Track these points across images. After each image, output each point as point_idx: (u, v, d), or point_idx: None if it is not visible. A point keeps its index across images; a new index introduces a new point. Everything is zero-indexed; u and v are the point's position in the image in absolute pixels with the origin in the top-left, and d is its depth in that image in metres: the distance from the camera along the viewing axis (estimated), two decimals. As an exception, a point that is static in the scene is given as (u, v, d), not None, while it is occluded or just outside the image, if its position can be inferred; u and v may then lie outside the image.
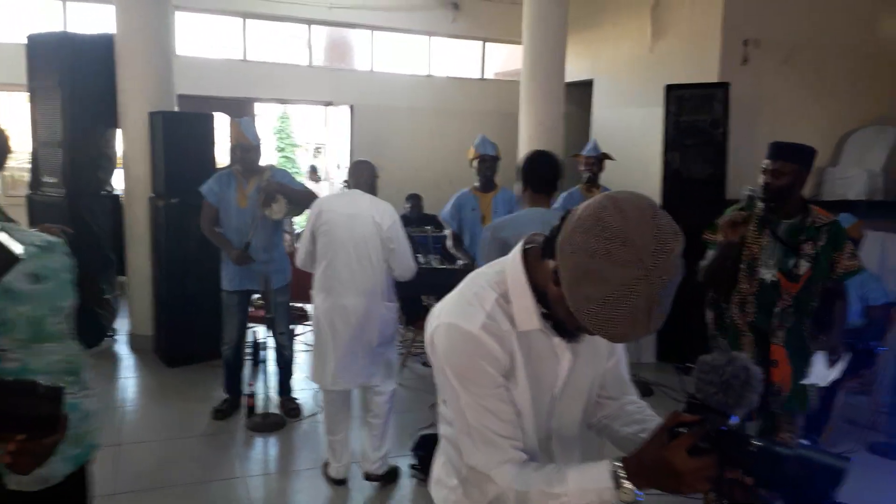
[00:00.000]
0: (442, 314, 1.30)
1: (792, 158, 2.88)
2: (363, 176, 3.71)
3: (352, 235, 3.52)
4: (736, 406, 1.24)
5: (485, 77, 9.80)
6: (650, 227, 1.04)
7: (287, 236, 8.21)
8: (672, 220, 1.08)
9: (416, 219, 7.14)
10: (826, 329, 3.02)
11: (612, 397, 1.50)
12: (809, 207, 2.96)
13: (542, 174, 3.12)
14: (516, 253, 1.31)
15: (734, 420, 1.18)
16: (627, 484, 1.17)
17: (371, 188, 3.71)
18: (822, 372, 2.94)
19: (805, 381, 2.97)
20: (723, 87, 6.02)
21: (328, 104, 9.08)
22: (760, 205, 2.94)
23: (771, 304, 2.95)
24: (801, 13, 6.96)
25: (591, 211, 1.08)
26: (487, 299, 1.27)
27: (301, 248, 3.69)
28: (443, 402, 1.38)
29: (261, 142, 4.34)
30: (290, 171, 16.59)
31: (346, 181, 3.81)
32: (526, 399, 1.31)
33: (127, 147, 5.75)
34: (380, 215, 3.55)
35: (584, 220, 1.07)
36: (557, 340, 1.30)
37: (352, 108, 8.34)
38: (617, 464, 1.20)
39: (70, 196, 5.61)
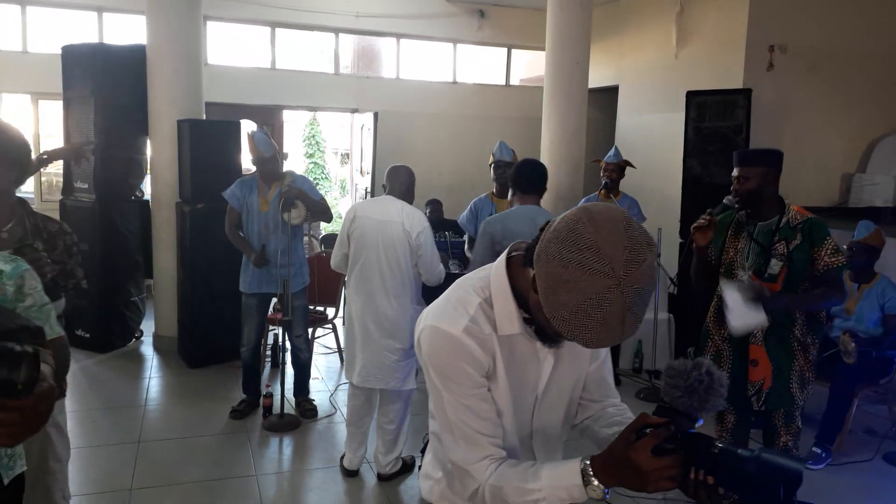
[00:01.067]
0: (428, 317, 1.37)
1: (755, 163, 2.96)
2: (398, 182, 3.81)
3: (382, 241, 3.65)
4: (701, 409, 1.28)
5: (510, 83, 9.84)
6: (622, 238, 1.08)
7: (313, 240, 8.36)
8: (646, 231, 1.13)
9: (436, 224, 7.21)
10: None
11: (594, 400, 1.55)
12: (787, 208, 3.00)
13: (527, 177, 3.57)
14: (501, 260, 1.37)
15: (700, 423, 1.24)
16: (595, 481, 1.23)
17: (405, 194, 3.81)
18: (738, 308, 2.80)
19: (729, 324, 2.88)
20: (745, 93, 5.97)
21: (354, 111, 9.21)
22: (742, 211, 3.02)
23: None
24: (827, 20, 6.87)
25: (566, 223, 1.13)
26: (471, 304, 1.34)
27: (336, 250, 3.83)
28: (431, 400, 1.43)
29: (276, 151, 4.45)
30: (318, 176, 16.71)
31: (382, 185, 3.92)
32: (506, 399, 1.37)
33: (155, 154, 5.93)
34: (409, 223, 3.65)
35: (559, 231, 1.13)
36: (539, 344, 1.36)
37: (375, 114, 8.45)
38: (586, 461, 1.25)
39: (101, 201, 5.81)
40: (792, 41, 6.75)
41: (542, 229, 1.20)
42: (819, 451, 4.12)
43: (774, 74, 6.73)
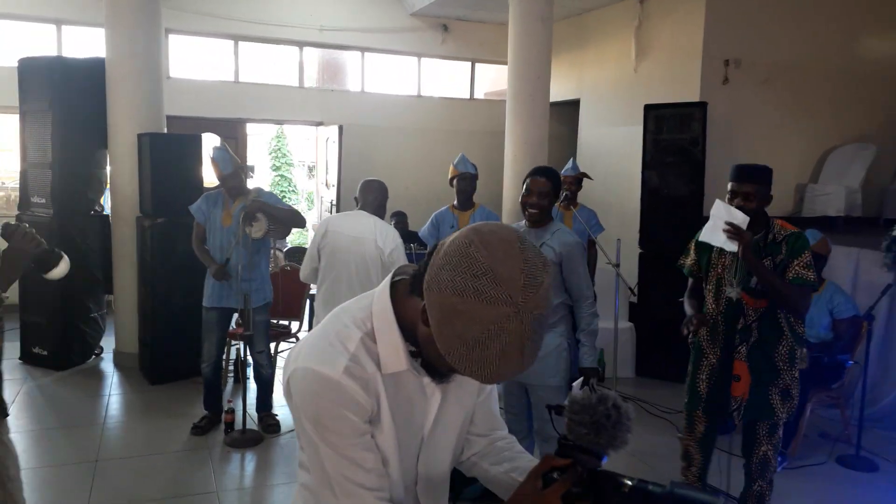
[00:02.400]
0: (300, 357, 1.18)
1: (758, 179, 2.95)
2: (371, 196, 3.81)
3: (354, 257, 3.64)
4: (608, 446, 1.20)
5: (474, 97, 9.94)
6: (518, 260, 1.00)
7: (278, 253, 8.32)
8: (539, 250, 1.05)
9: (401, 236, 7.23)
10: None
11: (482, 434, 1.43)
12: (772, 223, 3.00)
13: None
14: (384, 287, 1.21)
15: (605, 460, 1.18)
16: None
17: (378, 209, 3.81)
18: (716, 226, 2.88)
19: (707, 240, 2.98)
20: (701, 106, 6.12)
21: (319, 124, 9.21)
22: (725, 226, 2.94)
23: (736, 322, 3.01)
24: (779, 35, 7.09)
25: (456, 246, 1.03)
26: (351, 339, 1.17)
27: (306, 263, 3.81)
28: (301, 450, 1.27)
29: (238, 167, 4.43)
30: (284, 189, 16.61)
31: (355, 198, 3.92)
32: (391, 445, 1.21)
33: (115, 168, 5.87)
34: (382, 240, 3.65)
35: (450, 256, 1.02)
36: (427, 380, 1.22)
37: (340, 127, 8.47)
38: None
39: (58, 216, 5.72)
40: (746, 56, 6.95)
41: (429, 254, 1.10)
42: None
43: (730, 88, 6.92)
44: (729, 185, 3.00)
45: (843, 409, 4.68)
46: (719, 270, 3.08)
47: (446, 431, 1.31)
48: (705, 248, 3.15)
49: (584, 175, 5.51)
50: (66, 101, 5.73)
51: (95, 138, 5.89)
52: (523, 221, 3.41)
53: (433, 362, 1.15)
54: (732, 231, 2.85)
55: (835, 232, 6.48)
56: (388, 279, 1.23)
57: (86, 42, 7.83)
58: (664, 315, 5.38)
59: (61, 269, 2.28)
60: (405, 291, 1.18)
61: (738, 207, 2.91)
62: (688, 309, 3.28)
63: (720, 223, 2.88)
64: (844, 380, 4.59)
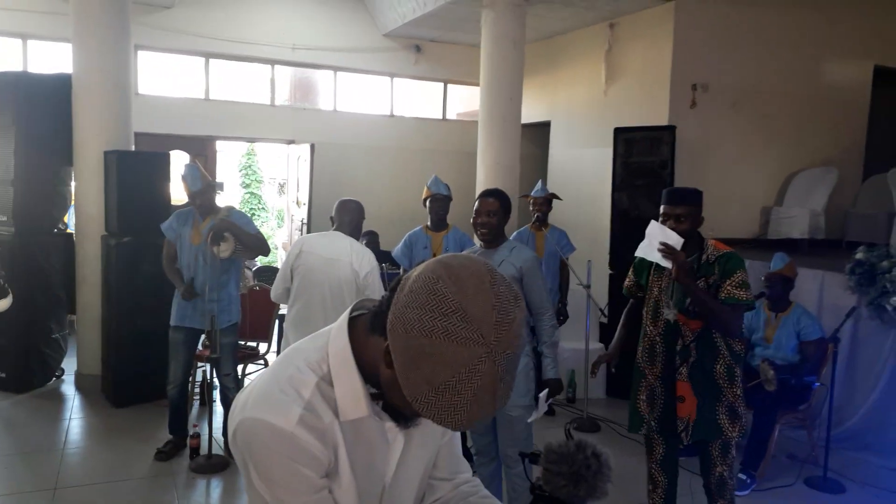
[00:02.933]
0: (248, 405, 1.06)
1: (689, 201, 3.03)
2: (347, 217, 3.78)
3: (328, 279, 3.58)
4: (588, 497, 1.15)
5: (447, 117, 9.98)
6: (489, 296, 0.93)
7: (247, 272, 8.20)
8: (510, 284, 0.98)
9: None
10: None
11: (445, 478, 1.32)
12: (706, 244, 3.06)
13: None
14: (341, 325, 1.11)
15: None
16: None
17: (354, 230, 3.77)
18: (651, 244, 3.03)
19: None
20: (670, 129, 6.23)
21: (291, 142, 9.16)
22: (660, 245, 3.02)
23: (675, 343, 3.06)
24: (746, 61, 7.26)
25: (423, 282, 0.95)
26: (306, 385, 1.06)
27: (278, 282, 3.74)
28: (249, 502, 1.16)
29: (208, 184, 4.37)
30: (254, 207, 16.44)
31: (330, 217, 3.87)
32: (351, 497, 1.11)
33: (80, 185, 5.75)
34: (358, 262, 3.61)
35: (416, 293, 0.94)
36: (389, 424, 1.12)
37: (312, 146, 8.43)
38: None
39: (20, 234, 5.58)
40: (713, 80, 7.10)
41: (392, 289, 1.01)
42: (744, 477, 4.24)
43: (697, 112, 7.05)
44: (661, 209, 3.08)
45: (811, 430, 4.73)
46: (656, 293, 3.14)
47: (409, 477, 1.21)
48: (643, 269, 3.22)
49: (554, 196, 5.55)
50: (31, 116, 5.61)
51: (60, 155, 5.77)
52: (478, 243, 3.44)
53: (397, 406, 1.05)
54: (667, 251, 2.93)
55: (799, 254, 6.60)
56: (345, 315, 1.13)
57: (52, 57, 7.70)
58: (635, 335, 5.41)
59: (2, 304, 2.27)
60: (365, 329, 1.08)
61: (671, 229, 2.99)
62: (615, 339, 3.47)
63: (655, 242, 2.98)
64: (811, 401, 4.65)
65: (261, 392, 1.07)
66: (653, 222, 3.06)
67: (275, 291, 3.79)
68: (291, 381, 1.07)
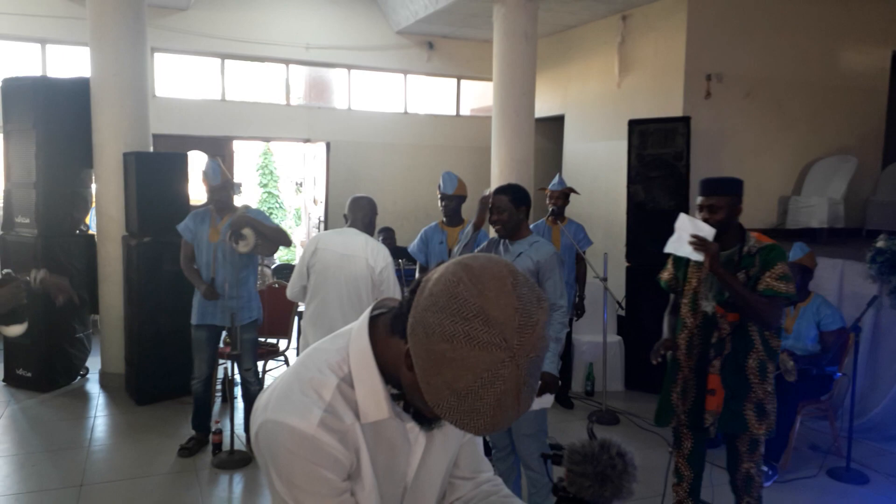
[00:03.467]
0: (269, 407, 1.06)
1: (724, 191, 2.99)
2: (360, 213, 3.80)
3: (345, 275, 3.60)
4: (613, 497, 1.14)
5: (460, 113, 9.99)
6: (511, 298, 0.92)
7: (266, 270, 8.28)
8: (534, 285, 0.97)
9: (389, 252, 7.23)
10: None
11: (466, 477, 1.32)
12: (747, 236, 3.02)
13: None
14: (362, 325, 1.11)
15: None
16: None
17: (368, 226, 3.80)
18: (682, 238, 3.00)
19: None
20: (684, 120, 6.18)
21: (307, 141, 9.21)
22: (691, 238, 2.99)
23: (711, 335, 3.03)
24: (760, 50, 7.19)
25: (444, 285, 0.94)
26: (326, 386, 1.06)
27: (294, 280, 3.77)
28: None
29: (227, 181, 4.43)
30: (272, 206, 16.54)
31: (344, 215, 3.91)
32: (373, 500, 1.11)
33: (101, 187, 5.83)
34: (373, 258, 3.63)
35: (437, 296, 0.93)
36: (411, 424, 1.12)
37: (328, 144, 8.48)
38: None
39: (43, 235, 5.68)
40: (728, 70, 7.04)
41: (412, 290, 1.00)
42: (766, 468, 4.22)
43: (712, 102, 6.99)
44: (697, 200, 3.06)
45: (833, 420, 4.70)
46: (695, 284, 3.11)
47: (430, 477, 1.21)
48: (682, 262, 3.17)
49: (571, 190, 5.54)
50: (51, 120, 5.70)
51: (80, 157, 5.86)
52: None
53: (419, 409, 1.05)
54: (698, 243, 2.90)
55: (819, 243, 6.54)
56: (366, 315, 1.12)
57: (71, 61, 7.81)
58: (653, 328, 5.39)
59: (16, 330, 2.34)
60: (386, 330, 1.08)
61: (704, 220, 2.97)
62: (665, 329, 3.35)
63: (685, 235, 2.95)
64: (833, 391, 4.62)
65: (282, 394, 1.07)
66: (682, 215, 3.02)
67: (291, 289, 3.82)
68: (312, 382, 1.06)
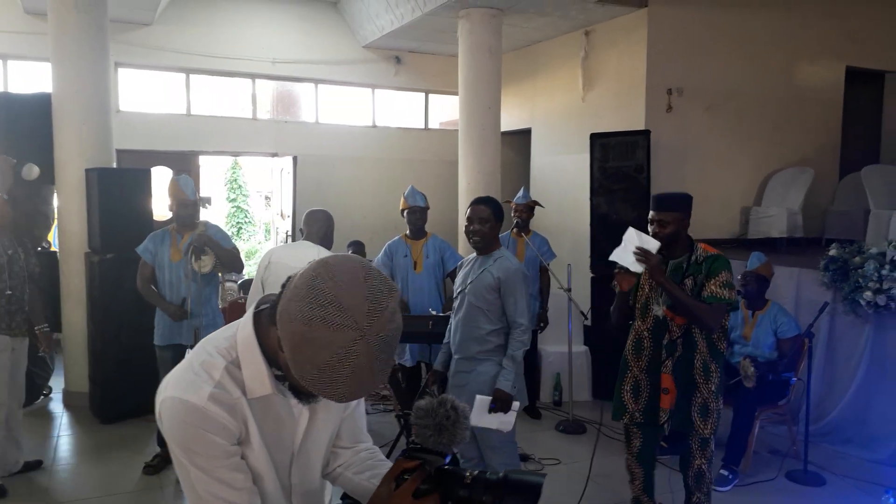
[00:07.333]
0: (168, 387, 1.23)
1: (673, 208, 3.18)
2: (315, 226, 3.81)
3: None
4: (451, 444, 1.36)
5: (429, 127, 10.06)
6: (362, 288, 1.09)
7: (233, 285, 8.23)
8: (385, 278, 1.14)
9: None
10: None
11: (346, 446, 1.51)
12: (696, 246, 3.23)
13: None
14: (248, 317, 1.28)
15: (448, 458, 1.30)
16: None
17: (324, 239, 3.80)
18: (627, 249, 3.15)
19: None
20: (644, 134, 6.33)
21: (274, 155, 9.19)
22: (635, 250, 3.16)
23: (662, 337, 3.20)
24: (720, 64, 7.39)
25: (304, 279, 1.11)
26: (216, 367, 1.23)
27: (252, 295, 3.80)
28: (180, 478, 1.29)
29: (198, 199, 4.44)
30: (241, 220, 16.40)
31: (300, 229, 3.92)
32: (264, 462, 1.29)
33: (63, 203, 5.77)
34: None
35: (299, 288, 1.10)
36: (294, 401, 1.29)
37: (295, 158, 8.47)
38: None
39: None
40: (688, 84, 7.21)
41: (283, 286, 1.17)
42: (726, 473, 4.31)
43: (674, 115, 7.15)
44: (650, 213, 3.24)
45: (791, 425, 4.82)
46: (647, 290, 3.30)
47: (315, 446, 1.40)
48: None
49: (536, 203, 5.63)
50: (11, 136, 5.65)
51: (42, 174, 5.78)
52: (473, 253, 3.54)
53: (296, 385, 1.21)
54: (641, 255, 3.08)
55: (779, 252, 6.71)
56: (251, 309, 1.29)
57: (32, 77, 7.72)
58: (618, 337, 5.49)
59: None
60: (267, 321, 1.24)
61: (654, 233, 3.16)
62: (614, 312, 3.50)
63: (630, 247, 3.12)
64: (790, 396, 4.74)
65: (178, 376, 1.24)
66: (630, 229, 3.19)
67: (249, 303, 3.82)
68: (204, 364, 1.24)
